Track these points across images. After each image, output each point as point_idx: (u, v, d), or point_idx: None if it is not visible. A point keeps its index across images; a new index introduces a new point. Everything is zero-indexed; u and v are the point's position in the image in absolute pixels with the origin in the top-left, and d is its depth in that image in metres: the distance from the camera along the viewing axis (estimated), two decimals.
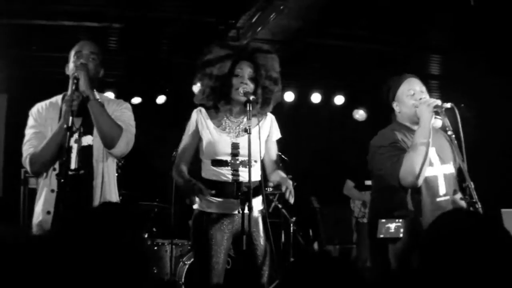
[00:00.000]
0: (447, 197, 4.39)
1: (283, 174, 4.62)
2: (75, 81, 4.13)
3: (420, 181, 4.15)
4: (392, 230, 4.07)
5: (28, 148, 4.25)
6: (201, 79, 4.56)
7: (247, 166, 4.25)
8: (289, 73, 9.84)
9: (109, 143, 4.22)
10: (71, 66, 4.32)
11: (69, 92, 4.26)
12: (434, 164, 4.36)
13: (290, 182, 4.46)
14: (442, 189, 4.37)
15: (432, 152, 4.31)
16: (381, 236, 4.11)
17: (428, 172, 4.24)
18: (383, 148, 4.37)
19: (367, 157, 4.57)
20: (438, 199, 4.33)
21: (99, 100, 4.30)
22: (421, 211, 4.23)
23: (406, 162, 4.13)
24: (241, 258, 4.52)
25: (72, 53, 4.35)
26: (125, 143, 4.27)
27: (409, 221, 4.14)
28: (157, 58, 9.32)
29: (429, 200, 4.27)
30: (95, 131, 4.27)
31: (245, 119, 4.40)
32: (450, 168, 4.46)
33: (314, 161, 10.92)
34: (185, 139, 4.60)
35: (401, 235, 4.06)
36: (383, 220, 4.09)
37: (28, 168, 4.27)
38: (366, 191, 8.55)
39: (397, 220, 4.07)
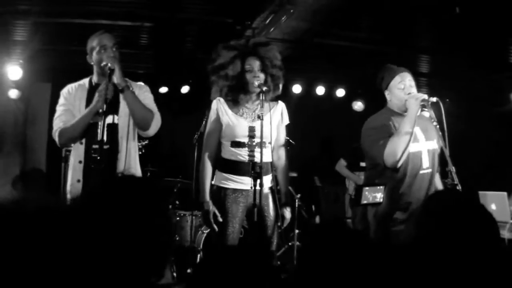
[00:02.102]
0: (429, 170, 4.43)
1: (287, 205, 4.80)
2: (109, 71, 4.16)
3: (400, 163, 4.21)
4: (377, 198, 4.10)
5: (58, 122, 4.35)
6: (217, 81, 4.61)
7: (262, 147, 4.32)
8: (297, 68, 9.90)
9: (144, 126, 4.36)
10: (96, 57, 4.34)
11: (95, 80, 4.42)
12: (420, 141, 4.41)
13: (288, 217, 4.70)
14: (425, 163, 4.41)
15: (418, 130, 4.37)
16: (365, 202, 4.15)
17: (413, 147, 4.29)
18: (372, 130, 4.43)
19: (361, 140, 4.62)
20: (421, 172, 4.37)
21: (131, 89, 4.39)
22: (405, 181, 4.28)
23: (390, 146, 4.18)
24: (253, 228, 4.57)
25: (95, 45, 4.36)
26: (156, 124, 4.41)
27: (389, 188, 4.18)
28: (182, 53, 9.33)
29: (414, 172, 4.32)
30: (120, 111, 4.36)
31: (259, 106, 4.48)
32: (433, 145, 4.49)
33: (317, 146, 10.95)
34: (209, 126, 4.66)
35: (381, 200, 4.10)
36: (367, 188, 4.12)
37: (56, 139, 4.38)
38: (360, 171, 8.57)
39: (379, 188, 4.10)
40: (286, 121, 4.80)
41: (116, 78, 4.19)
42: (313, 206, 9.64)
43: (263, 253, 2.08)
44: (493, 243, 2.22)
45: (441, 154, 4.38)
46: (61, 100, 4.44)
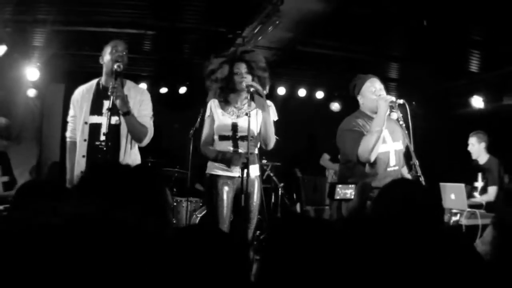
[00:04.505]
0: (396, 168, 4.47)
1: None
2: (115, 73, 4.35)
3: (373, 158, 4.25)
4: (348, 195, 4.13)
5: (68, 128, 4.72)
6: (210, 85, 4.74)
7: (244, 141, 4.43)
8: (282, 72, 9.91)
9: (138, 141, 4.56)
10: (108, 57, 4.51)
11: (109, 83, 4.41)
12: (387, 142, 4.45)
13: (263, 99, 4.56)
14: (392, 161, 4.47)
15: (386, 133, 4.41)
16: (338, 197, 4.17)
17: (382, 148, 4.33)
18: (347, 131, 4.47)
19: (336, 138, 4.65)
20: (388, 169, 4.42)
21: (127, 85, 4.61)
22: (375, 178, 4.31)
23: (363, 143, 4.21)
24: (239, 212, 4.60)
25: (109, 49, 4.52)
26: (149, 138, 4.60)
27: (359, 186, 4.21)
28: (180, 58, 9.33)
29: (382, 170, 4.36)
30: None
31: (245, 106, 4.63)
32: (399, 146, 4.54)
33: (299, 141, 10.95)
34: (206, 124, 4.77)
35: (352, 197, 4.13)
36: (340, 185, 4.16)
37: (67, 144, 4.73)
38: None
39: (350, 186, 4.13)
40: (274, 118, 4.82)
41: (119, 106, 4.32)
42: (294, 194, 9.67)
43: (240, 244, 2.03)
44: (434, 222, 2.24)
45: (407, 151, 4.42)
46: (71, 108, 4.71)
